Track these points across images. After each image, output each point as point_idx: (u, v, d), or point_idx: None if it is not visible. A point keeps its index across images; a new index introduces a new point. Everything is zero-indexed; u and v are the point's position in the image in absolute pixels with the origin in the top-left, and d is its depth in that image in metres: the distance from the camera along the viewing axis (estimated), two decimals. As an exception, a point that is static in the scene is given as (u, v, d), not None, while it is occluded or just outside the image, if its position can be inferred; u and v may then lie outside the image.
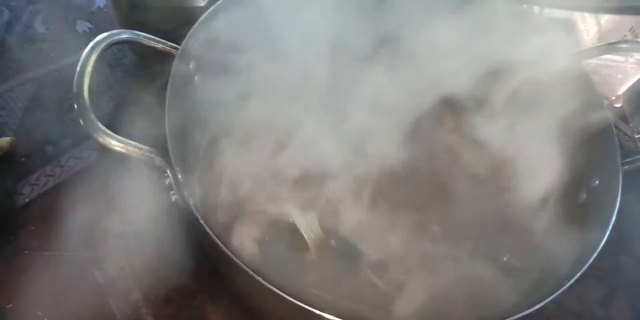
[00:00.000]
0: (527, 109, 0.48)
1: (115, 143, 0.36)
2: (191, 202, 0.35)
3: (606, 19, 0.64)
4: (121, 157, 0.47)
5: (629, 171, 0.36)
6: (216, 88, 0.49)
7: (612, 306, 0.41)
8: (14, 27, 0.95)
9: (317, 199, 0.46)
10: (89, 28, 1.02)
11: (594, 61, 0.62)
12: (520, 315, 0.31)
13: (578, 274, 0.32)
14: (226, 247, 0.32)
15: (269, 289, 0.31)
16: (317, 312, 0.30)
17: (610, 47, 0.43)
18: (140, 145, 0.37)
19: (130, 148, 0.36)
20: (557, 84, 0.43)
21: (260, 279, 0.32)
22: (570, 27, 0.74)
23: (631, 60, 0.59)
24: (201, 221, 0.33)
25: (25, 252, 0.70)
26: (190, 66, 0.43)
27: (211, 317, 0.43)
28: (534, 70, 0.44)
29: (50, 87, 0.89)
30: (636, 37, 0.57)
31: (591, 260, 0.32)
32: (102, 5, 1.07)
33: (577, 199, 0.40)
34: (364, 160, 0.47)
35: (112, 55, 0.87)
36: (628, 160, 0.36)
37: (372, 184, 0.47)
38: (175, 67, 0.40)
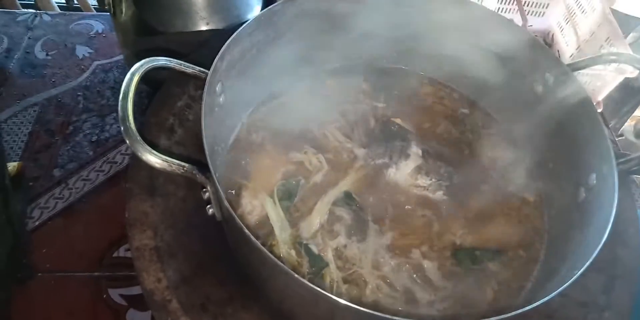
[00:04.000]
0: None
1: (161, 162, 0.39)
2: (234, 214, 0.38)
3: (584, 30, 0.71)
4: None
5: (622, 171, 0.41)
6: (238, 107, 0.54)
7: (612, 293, 0.46)
8: (14, 54, 0.98)
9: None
10: (89, 53, 1.06)
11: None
12: (531, 307, 0.35)
13: (585, 266, 0.36)
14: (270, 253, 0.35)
15: (310, 288, 0.34)
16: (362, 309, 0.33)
17: (599, 59, 0.49)
18: (183, 163, 0.40)
19: (174, 166, 0.40)
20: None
21: (303, 280, 0.35)
22: (550, 38, 0.82)
23: (609, 68, 0.64)
24: (245, 230, 0.37)
25: (39, 274, 0.72)
26: (217, 88, 0.47)
27: (244, 324, 0.45)
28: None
29: (53, 111, 0.92)
30: (612, 46, 0.64)
31: (595, 254, 0.37)
32: (100, 30, 1.11)
33: (577, 198, 0.45)
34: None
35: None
36: (621, 160, 0.42)
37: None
38: (207, 89, 0.44)
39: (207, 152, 0.41)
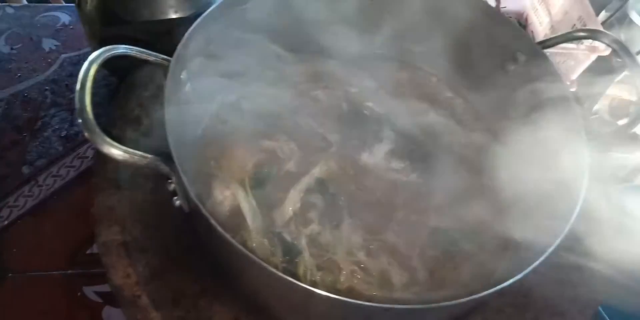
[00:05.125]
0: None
1: (122, 154, 0.38)
2: (201, 204, 0.37)
3: (556, 10, 0.70)
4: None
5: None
6: (206, 95, 0.52)
7: (583, 270, 0.47)
8: (-24, 49, 0.94)
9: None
10: (56, 45, 1.02)
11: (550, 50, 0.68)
12: (510, 282, 0.35)
13: (554, 245, 0.36)
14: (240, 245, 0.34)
15: (280, 277, 0.33)
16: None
17: (570, 35, 0.49)
18: (145, 154, 0.39)
19: (136, 158, 0.38)
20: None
21: (273, 270, 0.34)
22: (524, 19, 0.81)
23: (582, 47, 0.64)
24: (212, 221, 0.36)
25: (10, 275, 0.69)
26: (182, 76, 0.45)
27: (218, 317, 0.44)
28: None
29: (20, 107, 0.88)
30: (585, 26, 0.63)
31: (565, 231, 0.37)
32: (67, 22, 1.06)
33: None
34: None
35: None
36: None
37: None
38: (170, 77, 0.43)
39: (170, 142, 0.39)
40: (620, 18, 0.73)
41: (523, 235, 0.44)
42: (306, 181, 0.49)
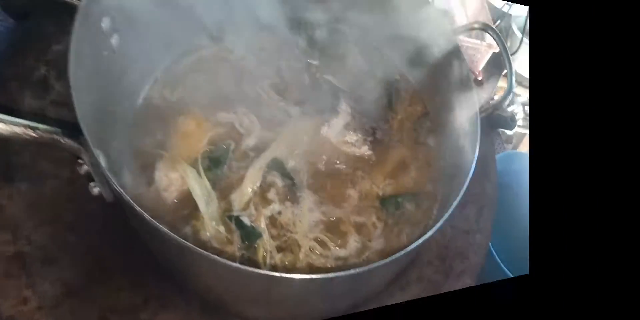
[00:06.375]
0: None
1: (3, 126, 0.22)
2: (121, 188, 0.23)
3: (470, 13, 0.73)
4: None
5: (483, 119, 0.38)
6: (146, 58, 0.35)
7: (481, 219, 0.45)
8: None
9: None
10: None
11: (463, 44, 0.68)
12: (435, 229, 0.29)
13: (457, 199, 0.30)
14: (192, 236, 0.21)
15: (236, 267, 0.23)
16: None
17: (469, 26, 0.47)
18: (37, 124, 0.23)
19: (18, 128, 0.22)
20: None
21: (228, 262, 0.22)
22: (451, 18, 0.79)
23: (484, 43, 0.68)
24: (137, 208, 0.22)
25: None
26: (103, 24, 0.29)
27: (166, 324, 0.30)
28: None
29: None
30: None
31: (464, 188, 0.31)
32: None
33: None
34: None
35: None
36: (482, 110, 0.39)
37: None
38: (80, 24, 0.26)
39: (75, 105, 0.24)
40: (506, 28, 0.92)
41: (443, 194, 0.40)
42: (266, 157, 0.36)
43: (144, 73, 0.37)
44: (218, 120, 0.38)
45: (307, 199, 0.37)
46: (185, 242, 0.23)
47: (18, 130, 0.22)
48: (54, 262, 0.29)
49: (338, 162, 0.41)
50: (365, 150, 0.42)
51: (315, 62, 0.46)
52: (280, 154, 0.37)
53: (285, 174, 0.37)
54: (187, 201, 0.32)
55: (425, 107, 0.50)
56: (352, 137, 0.43)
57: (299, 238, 0.35)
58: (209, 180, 0.34)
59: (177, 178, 0.32)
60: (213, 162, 0.35)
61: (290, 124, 0.39)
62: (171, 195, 0.32)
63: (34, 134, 0.23)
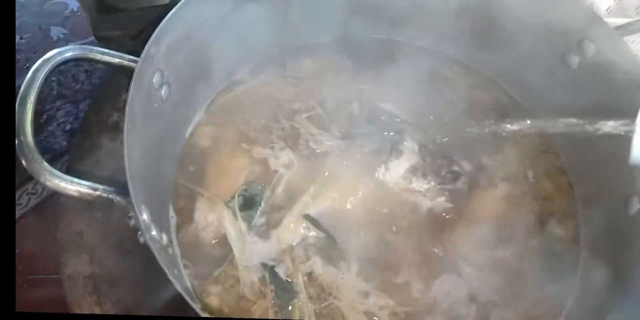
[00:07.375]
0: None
1: (65, 185, 0.27)
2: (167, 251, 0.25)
3: None
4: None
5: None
6: (189, 102, 0.39)
7: None
8: (-17, 38, 0.82)
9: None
10: (64, 34, 0.88)
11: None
12: None
13: None
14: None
15: None
16: None
17: None
18: (96, 185, 0.27)
19: (83, 190, 0.26)
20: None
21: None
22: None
23: None
24: (169, 276, 0.24)
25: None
26: (155, 79, 0.32)
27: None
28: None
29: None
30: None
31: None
32: (75, 8, 0.92)
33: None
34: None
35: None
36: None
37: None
38: (135, 84, 0.30)
39: (127, 169, 0.27)
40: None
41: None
42: (305, 202, 0.36)
43: (187, 117, 0.40)
44: (253, 155, 0.38)
45: (355, 260, 0.33)
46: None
47: (83, 191, 0.27)
48: (115, 285, 0.34)
49: (400, 215, 0.35)
50: (440, 203, 0.35)
51: (367, 87, 0.41)
52: (317, 203, 0.35)
53: (323, 230, 0.34)
54: (225, 242, 0.34)
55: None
56: (421, 184, 0.36)
57: (343, 308, 0.31)
58: (245, 222, 0.35)
59: (215, 219, 0.35)
60: (248, 202, 0.36)
61: (334, 163, 0.36)
62: (208, 235, 0.35)
63: (95, 194, 0.27)
